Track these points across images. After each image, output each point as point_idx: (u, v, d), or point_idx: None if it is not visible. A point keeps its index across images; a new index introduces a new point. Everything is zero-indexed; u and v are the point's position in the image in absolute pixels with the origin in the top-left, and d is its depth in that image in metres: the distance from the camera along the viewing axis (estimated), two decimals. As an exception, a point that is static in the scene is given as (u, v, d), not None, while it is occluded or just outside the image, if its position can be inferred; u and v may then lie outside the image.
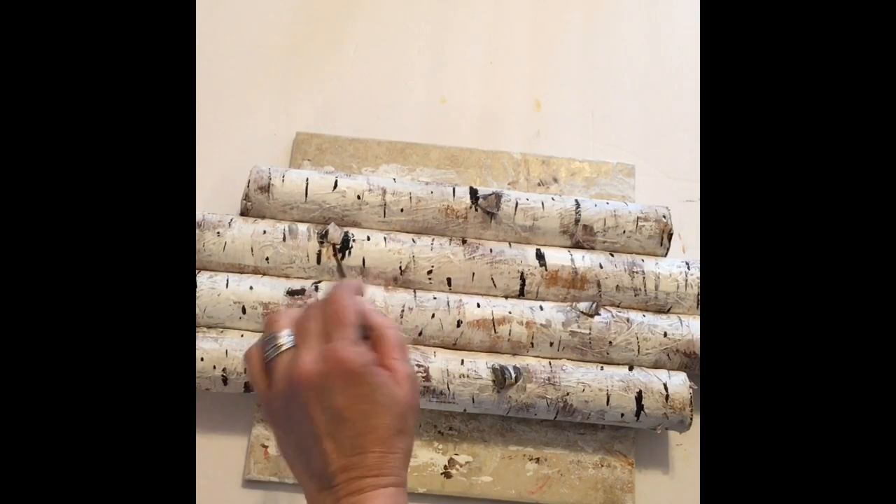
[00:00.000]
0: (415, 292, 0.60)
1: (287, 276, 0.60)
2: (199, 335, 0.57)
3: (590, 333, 0.59)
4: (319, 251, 0.60)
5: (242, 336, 0.58)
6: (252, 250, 0.60)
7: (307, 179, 0.62)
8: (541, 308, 0.60)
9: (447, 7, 0.81)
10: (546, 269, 0.61)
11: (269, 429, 0.45)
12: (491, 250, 0.61)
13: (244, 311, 0.58)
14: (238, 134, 0.72)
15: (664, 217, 0.64)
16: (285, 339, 0.42)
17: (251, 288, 0.58)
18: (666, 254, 0.64)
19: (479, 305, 0.59)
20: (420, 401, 0.45)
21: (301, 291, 0.58)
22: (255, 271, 0.60)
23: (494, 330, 0.59)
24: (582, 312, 0.59)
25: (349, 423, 0.40)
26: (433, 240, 0.61)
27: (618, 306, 0.61)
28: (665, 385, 0.58)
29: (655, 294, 0.61)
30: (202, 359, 0.56)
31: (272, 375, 0.42)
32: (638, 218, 0.63)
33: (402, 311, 0.58)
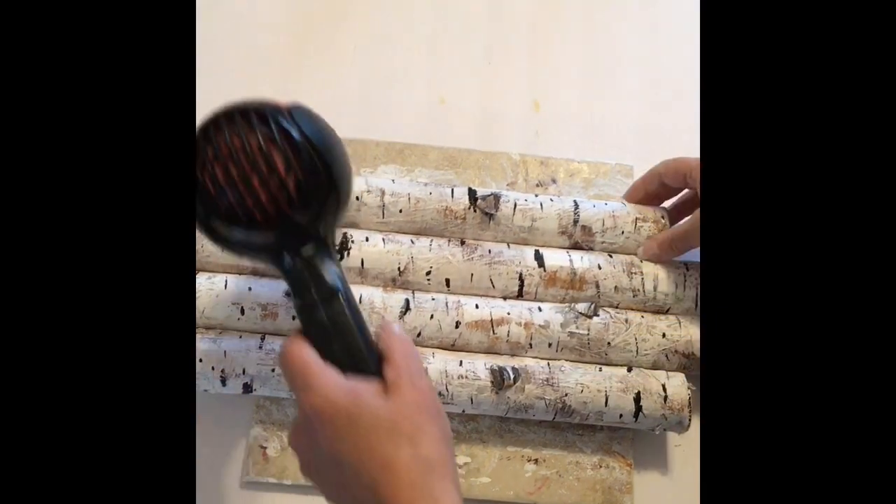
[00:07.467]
0: (413, 293, 0.60)
1: (286, 277, 0.60)
2: (197, 336, 0.57)
3: (588, 334, 0.59)
4: (318, 252, 0.60)
5: (241, 337, 0.58)
6: (251, 251, 0.60)
7: (306, 180, 0.62)
8: (539, 309, 0.60)
9: (446, 7, 0.81)
10: (545, 270, 0.61)
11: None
12: (489, 251, 0.61)
13: (243, 311, 0.58)
14: (237, 134, 0.72)
15: (662, 218, 0.64)
16: None
17: (250, 289, 0.58)
18: (665, 254, 0.64)
19: (477, 306, 0.59)
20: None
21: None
22: (254, 272, 0.60)
23: (493, 331, 0.59)
24: (580, 313, 0.59)
25: (357, 472, 0.39)
26: (432, 241, 0.61)
27: (616, 307, 0.61)
28: (664, 386, 0.58)
29: (654, 295, 0.61)
30: (201, 360, 0.56)
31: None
32: (636, 219, 0.63)
33: (401, 311, 0.58)
